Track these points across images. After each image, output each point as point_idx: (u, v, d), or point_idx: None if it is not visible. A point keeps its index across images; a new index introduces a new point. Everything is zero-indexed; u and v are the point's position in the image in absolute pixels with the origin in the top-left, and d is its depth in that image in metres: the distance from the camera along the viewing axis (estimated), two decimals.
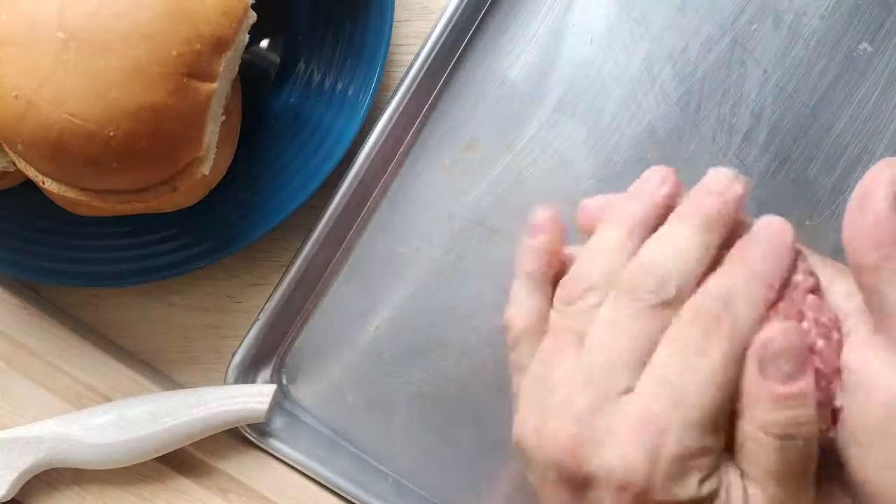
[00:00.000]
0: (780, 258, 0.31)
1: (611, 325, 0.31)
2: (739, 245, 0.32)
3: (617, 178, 0.46)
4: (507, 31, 0.48)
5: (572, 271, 0.33)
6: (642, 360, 0.30)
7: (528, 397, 0.33)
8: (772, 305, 0.30)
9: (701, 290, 0.31)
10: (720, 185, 0.32)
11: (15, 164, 0.40)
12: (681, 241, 0.31)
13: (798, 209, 0.46)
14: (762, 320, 0.30)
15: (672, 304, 0.30)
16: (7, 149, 0.39)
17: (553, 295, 0.34)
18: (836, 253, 0.45)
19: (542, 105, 0.47)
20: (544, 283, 0.34)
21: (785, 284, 0.31)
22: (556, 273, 0.35)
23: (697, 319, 0.30)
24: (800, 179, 0.46)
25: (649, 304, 0.30)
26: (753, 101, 0.46)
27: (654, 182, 0.33)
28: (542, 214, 0.35)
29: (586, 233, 0.35)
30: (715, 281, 0.31)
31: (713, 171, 0.33)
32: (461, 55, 0.47)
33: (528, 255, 0.35)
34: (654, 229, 0.32)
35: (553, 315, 0.33)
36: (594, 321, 0.31)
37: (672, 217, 0.33)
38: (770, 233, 0.31)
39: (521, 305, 0.34)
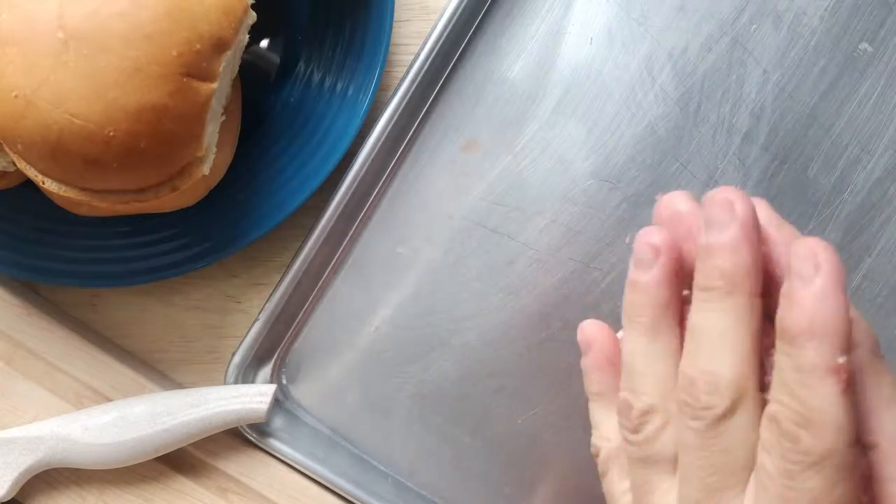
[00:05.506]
0: (839, 331, 0.26)
1: (692, 450, 0.28)
2: (790, 320, 0.26)
3: (617, 178, 0.46)
4: (507, 31, 0.48)
5: (623, 397, 0.30)
6: (746, 469, 0.27)
7: None
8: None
9: (771, 395, 0.27)
10: (722, 220, 0.27)
11: (15, 164, 0.40)
12: (716, 332, 0.27)
13: (798, 209, 0.46)
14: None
15: (739, 404, 0.27)
16: (7, 149, 0.39)
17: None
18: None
19: (542, 105, 0.47)
20: (616, 398, 0.32)
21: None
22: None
23: (781, 438, 0.26)
24: (800, 179, 0.46)
25: (714, 417, 0.27)
26: (753, 101, 0.46)
27: (648, 255, 0.29)
28: (589, 329, 0.33)
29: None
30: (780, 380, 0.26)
31: (708, 200, 0.28)
32: (461, 55, 0.47)
33: (590, 375, 0.33)
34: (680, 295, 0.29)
35: (625, 444, 0.31)
36: (673, 444, 0.29)
37: (695, 299, 0.28)
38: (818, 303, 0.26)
39: (601, 428, 0.33)
